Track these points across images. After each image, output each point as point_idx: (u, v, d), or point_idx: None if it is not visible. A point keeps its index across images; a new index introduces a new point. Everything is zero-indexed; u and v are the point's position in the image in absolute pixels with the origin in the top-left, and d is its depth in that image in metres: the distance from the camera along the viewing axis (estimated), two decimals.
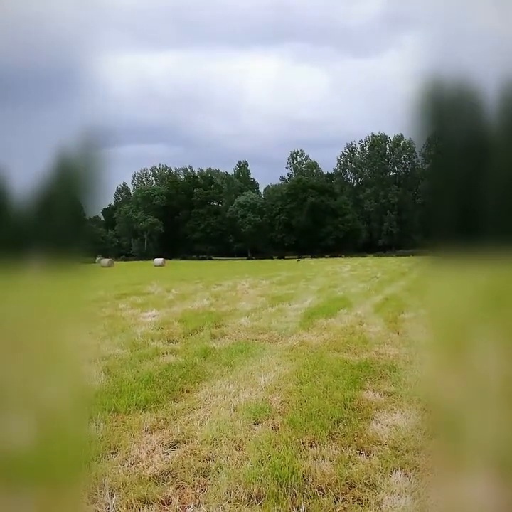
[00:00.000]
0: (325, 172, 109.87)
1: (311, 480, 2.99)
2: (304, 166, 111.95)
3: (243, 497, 2.81)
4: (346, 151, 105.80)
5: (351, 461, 3.25)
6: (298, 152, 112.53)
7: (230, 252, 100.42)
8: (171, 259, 77.46)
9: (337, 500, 2.79)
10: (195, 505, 2.77)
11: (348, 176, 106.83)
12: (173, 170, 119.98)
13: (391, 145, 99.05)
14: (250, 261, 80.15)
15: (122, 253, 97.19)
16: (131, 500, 2.80)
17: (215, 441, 3.57)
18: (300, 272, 30.77)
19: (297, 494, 2.83)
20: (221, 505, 2.74)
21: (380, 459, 3.28)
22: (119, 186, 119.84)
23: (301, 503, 2.74)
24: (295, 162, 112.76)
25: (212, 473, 3.11)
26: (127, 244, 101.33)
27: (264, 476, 3.00)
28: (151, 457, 3.36)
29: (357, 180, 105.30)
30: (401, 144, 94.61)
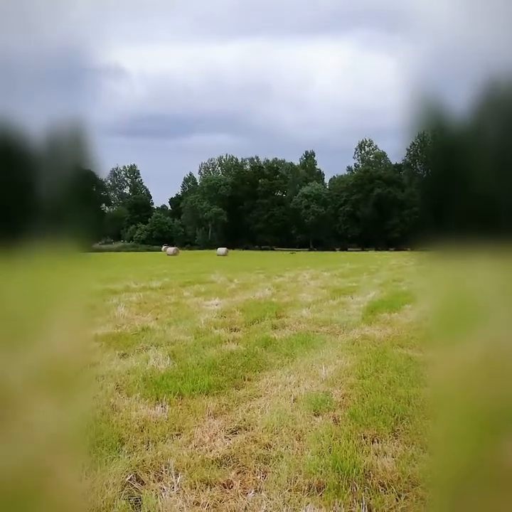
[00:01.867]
0: (393, 162, 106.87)
1: (372, 475, 2.95)
2: (371, 156, 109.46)
3: (303, 487, 2.83)
4: (417, 141, 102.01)
5: (414, 459, 3.17)
6: (366, 142, 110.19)
7: (292, 243, 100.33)
8: (233, 249, 78.53)
9: (399, 497, 2.74)
10: (255, 491, 2.82)
11: (418, 167, 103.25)
12: (240, 160, 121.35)
13: None
14: (312, 252, 79.65)
15: (187, 242, 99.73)
16: (194, 481, 2.89)
17: (276, 430, 3.61)
18: (363, 264, 30.24)
19: (358, 488, 2.81)
20: (281, 493, 2.77)
21: None
22: (186, 176, 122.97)
23: (362, 498, 2.72)
24: (363, 152, 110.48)
25: (273, 461, 3.15)
26: (192, 234, 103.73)
27: (324, 468, 3.00)
28: (214, 441, 3.45)
29: (427, 171, 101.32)
30: None
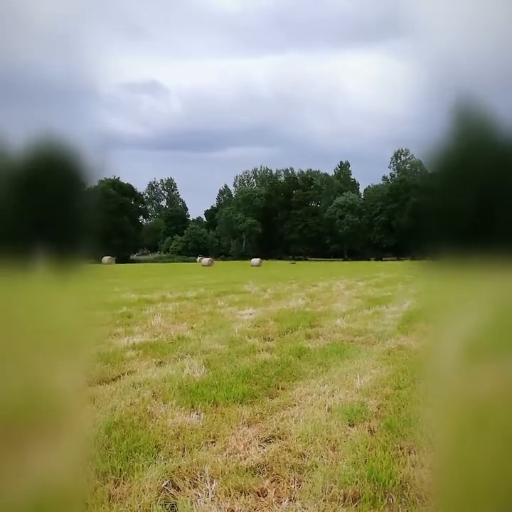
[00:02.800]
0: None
1: (409, 487, 2.90)
2: (407, 165, 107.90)
3: (338, 497, 2.80)
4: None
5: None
6: (402, 151, 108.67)
7: (326, 253, 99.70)
8: (267, 259, 78.65)
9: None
10: (290, 500, 2.81)
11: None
12: (274, 171, 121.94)
13: None
14: (346, 262, 78.90)
15: (222, 253, 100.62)
16: (229, 489, 2.91)
17: (310, 440, 3.59)
18: (398, 274, 29.71)
19: (395, 500, 2.76)
20: (316, 502, 2.75)
21: None
22: (222, 188, 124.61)
23: (398, 509, 2.67)
24: (399, 161, 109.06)
25: (307, 471, 3.13)
26: (227, 245, 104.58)
27: (360, 478, 2.96)
28: (248, 449, 3.46)
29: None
30: None
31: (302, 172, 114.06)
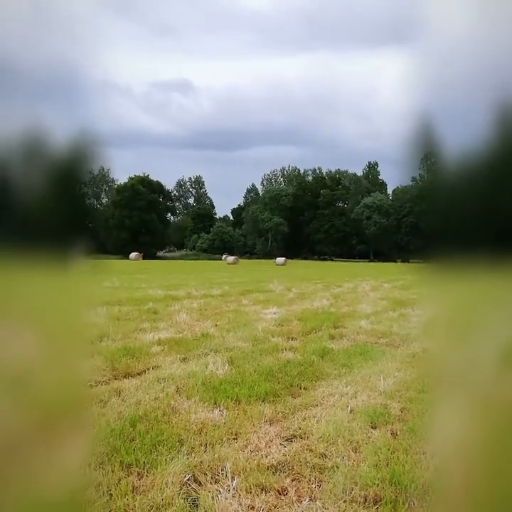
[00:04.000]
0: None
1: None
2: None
3: (359, 498, 2.79)
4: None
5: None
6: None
7: (352, 254, 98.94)
8: (292, 258, 78.49)
9: None
10: (310, 499, 2.81)
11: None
12: (302, 171, 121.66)
13: None
14: (372, 263, 78.08)
15: (247, 251, 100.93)
16: (250, 486, 2.93)
17: (332, 440, 3.58)
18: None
19: (416, 504, 2.74)
20: (336, 503, 2.76)
21: None
22: (249, 187, 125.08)
23: None
24: (429, 162, 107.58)
25: (328, 471, 3.13)
26: (252, 243, 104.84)
27: (381, 481, 2.95)
28: (269, 447, 3.48)
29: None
30: None
31: (330, 171, 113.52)
